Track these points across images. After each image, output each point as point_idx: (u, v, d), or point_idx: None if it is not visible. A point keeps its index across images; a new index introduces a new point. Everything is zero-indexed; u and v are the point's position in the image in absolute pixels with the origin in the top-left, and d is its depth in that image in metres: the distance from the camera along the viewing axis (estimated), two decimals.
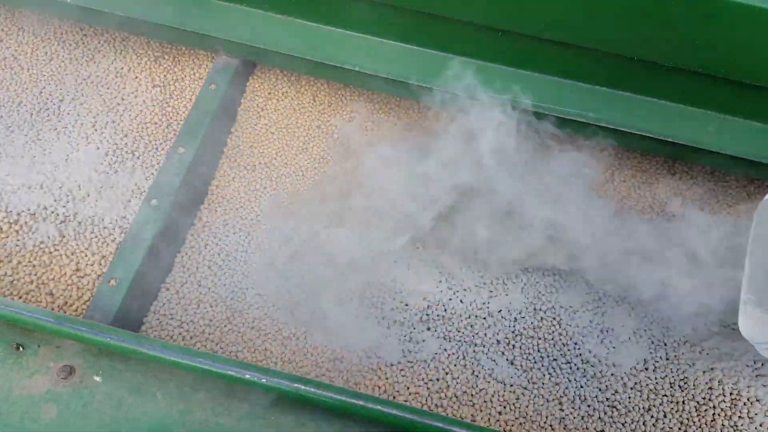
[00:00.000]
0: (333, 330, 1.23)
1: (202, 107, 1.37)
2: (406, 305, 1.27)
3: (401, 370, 1.20)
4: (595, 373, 1.20)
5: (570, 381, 1.19)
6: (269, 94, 1.51)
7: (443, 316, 1.26)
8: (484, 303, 1.28)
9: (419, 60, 1.37)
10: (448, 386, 1.18)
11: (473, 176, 1.32)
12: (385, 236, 1.34)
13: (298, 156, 1.44)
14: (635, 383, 1.19)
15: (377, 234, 1.34)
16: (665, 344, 1.24)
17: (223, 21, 1.36)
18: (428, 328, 1.25)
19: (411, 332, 1.24)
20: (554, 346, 1.23)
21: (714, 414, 1.16)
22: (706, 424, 1.14)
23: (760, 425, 1.15)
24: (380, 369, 1.19)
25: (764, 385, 1.19)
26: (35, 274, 1.24)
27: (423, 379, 1.19)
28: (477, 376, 1.19)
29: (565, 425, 1.14)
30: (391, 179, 1.42)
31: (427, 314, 1.26)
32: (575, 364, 1.21)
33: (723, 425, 1.14)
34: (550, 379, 1.19)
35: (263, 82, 1.53)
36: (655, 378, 1.20)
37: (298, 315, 1.24)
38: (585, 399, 1.17)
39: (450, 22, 1.30)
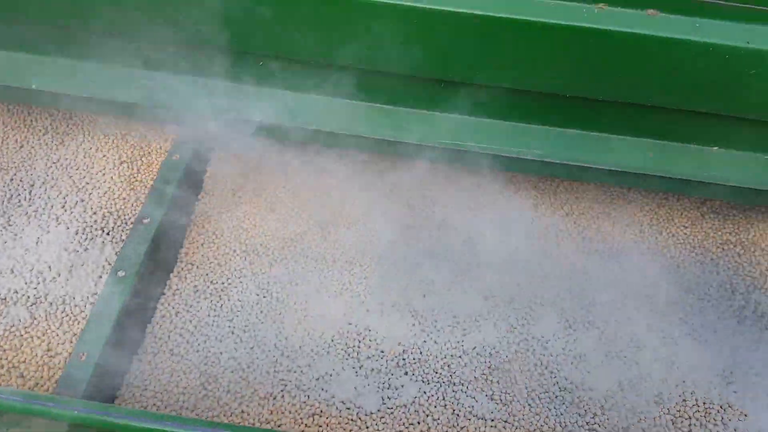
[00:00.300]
0: (310, 384, 1.23)
1: (166, 177, 1.42)
2: (382, 352, 1.28)
3: (381, 417, 1.19)
4: (573, 399, 1.21)
5: (549, 410, 1.20)
6: (235, 159, 1.57)
7: (419, 359, 1.28)
8: (458, 342, 1.30)
9: (370, 115, 1.45)
10: (429, 428, 1.18)
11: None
12: (358, 288, 1.37)
13: (267, 216, 1.48)
14: (612, 404, 1.20)
15: (349, 286, 1.37)
16: (637, 363, 1.26)
17: (181, 94, 1.43)
18: (405, 373, 1.26)
19: (389, 378, 1.25)
20: (531, 376, 1.25)
21: (690, 424, 1.17)
22: None
23: (735, 430, 1.16)
24: (360, 419, 1.19)
25: (735, 392, 1.21)
26: (6, 358, 1.23)
27: (404, 424, 1.18)
28: (458, 415, 1.20)
29: None
30: (364, 231, 1.46)
31: (403, 359, 1.28)
32: (553, 393, 1.22)
33: None
34: (530, 409, 1.20)
35: (230, 147, 1.58)
36: (631, 397, 1.21)
37: (275, 374, 1.24)
38: (566, 426, 1.18)
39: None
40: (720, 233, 1.51)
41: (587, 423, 1.18)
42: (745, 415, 1.19)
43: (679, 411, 1.20)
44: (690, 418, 1.19)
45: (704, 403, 1.20)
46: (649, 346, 1.29)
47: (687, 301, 1.37)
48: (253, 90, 1.46)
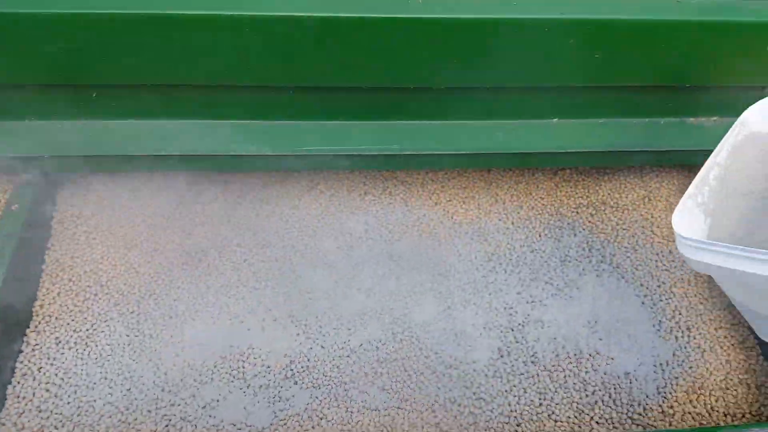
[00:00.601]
0: (197, 414, 1.17)
1: (6, 231, 1.30)
2: (269, 367, 1.26)
3: (275, 430, 1.17)
4: (459, 375, 1.25)
5: (439, 388, 1.23)
6: (84, 199, 1.48)
7: (308, 366, 1.26)
8: (345, 342, 1.31)
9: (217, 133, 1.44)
10: (324, 430, 1.16)
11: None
12: (236, 309, 1.34)
13: (128, 253, 1.41)
14: (494, 372, 1.26)
15: (226, 309, 1.33)
16: (512, 329, 1.33)
17: (13, 138, 1.34)
18: (295, 383, 1.24)
19: (279, 391, 1.22)
20: (417, 361, 1.28)
21: (565, 376, 1.25)
22: (560, 387, 1.23)
23: (605, 374, 1.26)
24: None
25: (600, 339, 1.31)
26: None
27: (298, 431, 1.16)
28: (351, 412, 1.19)
29: (441, 429, 1.17)
30: (235, 252, 1.43)
31: (291, 370, 1.26)
32: (440, 372, 1.26)
33: (574, 383, 1.24)
34: (420, 392, 1.23)
35: (75, 188, 1.50)
36: (510, 361, 1.27)
37: (156, 411, 1.18)
38: (455, 400, 1.21)
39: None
40: (573, 199, 1.64)
41: (474, 393, 1.22)
42: (612, 359, 1.29)
43: (554, 366, 1.27)
44: (564, 370, 1.27)
45: (575, 355, 1.29)
46: (521, 312, 1.36)
47: (550, 264, 1.47)
48: (92, 123, 1.39)
